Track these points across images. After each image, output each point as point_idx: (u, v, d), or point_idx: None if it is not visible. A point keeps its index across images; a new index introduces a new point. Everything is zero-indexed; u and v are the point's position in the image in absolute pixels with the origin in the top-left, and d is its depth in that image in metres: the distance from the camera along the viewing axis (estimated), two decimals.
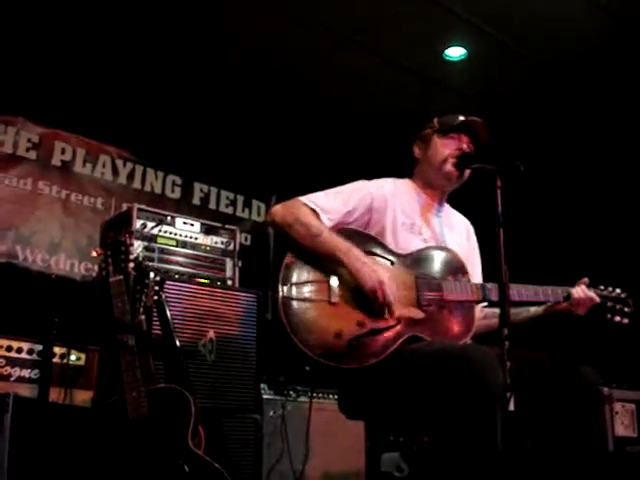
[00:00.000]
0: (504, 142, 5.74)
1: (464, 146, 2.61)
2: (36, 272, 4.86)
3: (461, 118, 2.61)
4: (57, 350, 3.35)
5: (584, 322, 2.59)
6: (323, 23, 4.49)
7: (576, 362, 2.32)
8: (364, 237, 2.44)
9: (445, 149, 2.61)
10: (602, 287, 2.62)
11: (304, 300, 2.25)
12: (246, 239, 6.21)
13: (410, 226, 2.55)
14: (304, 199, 2.44)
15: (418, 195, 2.68)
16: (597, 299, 2.55)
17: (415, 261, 2.44)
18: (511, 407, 1.93)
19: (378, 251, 2.41)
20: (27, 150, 5.21)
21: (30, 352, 3.33)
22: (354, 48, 4.74)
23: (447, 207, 2.79)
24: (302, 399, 3.99)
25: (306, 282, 2.28)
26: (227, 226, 4.20)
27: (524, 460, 2.23)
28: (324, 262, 2.31)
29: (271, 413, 3.86)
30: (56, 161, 5.35)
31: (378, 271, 2.26)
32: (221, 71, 5.09)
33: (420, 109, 5.45)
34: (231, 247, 4.10)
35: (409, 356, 2.19)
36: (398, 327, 2.27)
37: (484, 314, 2.65)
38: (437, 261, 2.47)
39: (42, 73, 5.01)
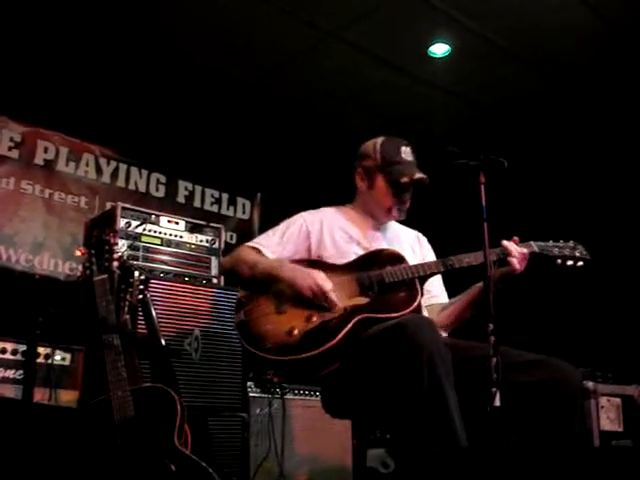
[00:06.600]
0: (488, 139, 5.79)
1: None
2: (20, 272, 4.82)
3: (404, 179, 2.60)
4: (41, 350, 3.32)
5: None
6: (306, 19, 4.48)
7: (558, 359, 2.33)
8: (310, 263, 2.54)
9: (391, 199, 2.66)
10: (551, 241, 2.60)
11: (255, 318, 2.42)
12: (231, 237, 6.19)
13: (348, 238, 2.66)
14: (248, 243, 2.65)
15: (357, 217, 2.75)
16: (535, 248, 2.52)
17: (355, 266, 2.54)
18: (497, 403, 1.94)
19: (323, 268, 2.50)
20: (9, 149, 5.17)
21: (14, 352, 3.29)
22: (338, 45, 4.73)
23: (392, 223, 2.82)
24: (289, 397, 3.99)
25: (255, 304, 2.45)
26: (212, 224, 4.19)
27: (509, 456, 2.23)
28: (266, 285, 2.45)
29: (258, 411, 3.85)
30: (39, 160, 5.31)
31: (312, 272, 2.39)
32: (204, 69, 5.07)
33: (404, 106, 5.51)
34: (216, 245, 4.09)
35: (362, 341, 2.30)
36: (346, 314, 2.37)
37: (441, 307, 2.71)
38: (376, 259, 2.55)
39: (24, 71, 4.98)
